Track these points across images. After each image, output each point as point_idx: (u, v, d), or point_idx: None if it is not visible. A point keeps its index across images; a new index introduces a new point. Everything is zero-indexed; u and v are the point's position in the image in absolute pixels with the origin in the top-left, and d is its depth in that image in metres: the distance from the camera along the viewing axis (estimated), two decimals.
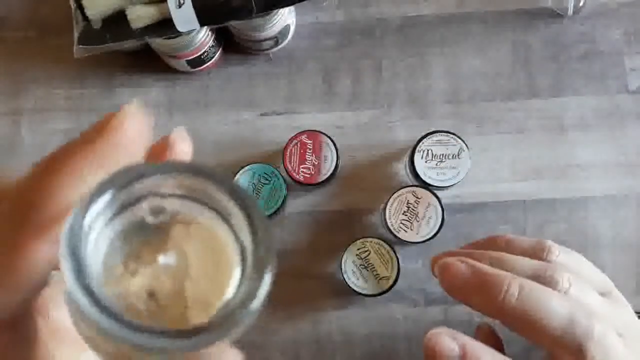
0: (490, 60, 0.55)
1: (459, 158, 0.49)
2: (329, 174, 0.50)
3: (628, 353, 0.33)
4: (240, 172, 0.50)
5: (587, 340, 0.32)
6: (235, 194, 0.17)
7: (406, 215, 0.48)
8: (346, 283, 0.48)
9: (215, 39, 0.53)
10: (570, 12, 0.54)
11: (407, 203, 0.48)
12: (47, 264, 0.16)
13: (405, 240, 0.48)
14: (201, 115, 0.55)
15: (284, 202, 0.50)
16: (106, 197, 0.16)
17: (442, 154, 0.49)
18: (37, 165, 0.17)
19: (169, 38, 0.49)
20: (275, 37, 0.53)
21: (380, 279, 0.48)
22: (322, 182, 0.50)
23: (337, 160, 0.50)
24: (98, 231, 0.16)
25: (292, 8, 0.53)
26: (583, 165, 0.53)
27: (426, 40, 0.55)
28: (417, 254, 0.51)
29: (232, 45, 0.55)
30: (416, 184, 0.50)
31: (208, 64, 0.54)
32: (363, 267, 0.48)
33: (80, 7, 0.49)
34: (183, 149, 0.20)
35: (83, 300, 0.15)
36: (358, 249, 0.48)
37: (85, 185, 0.16)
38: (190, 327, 0.16)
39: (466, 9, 0.56)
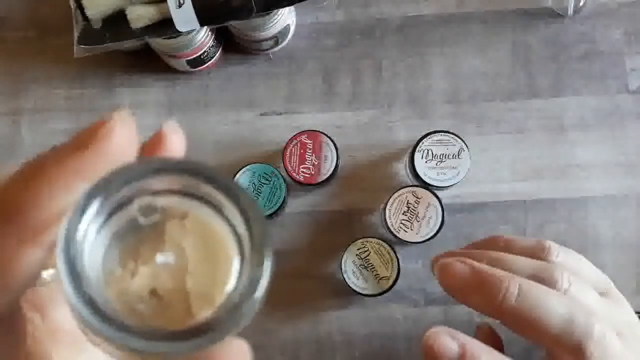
0: (490, 60, 0.55)
1: (459, 158, 0.49)
2: (329, 174, 0.50)
3: (627, 352, 0.33)
4: (240, 172, 0.50)
5: (587, 339, 0.32)
6: (224, 186, 0.17)
7: (406, 215, 0.48)
8: (346, 283, 0.48)
9: (215, 38, 0.53)
10: (570, 12, 0.54)
11: (407, 203, 0.48)
12: (33, 266, 0.17)
13: (405, 240, 0.48)
14: (201, 115, 0.55)
15: (284, 202, 0.50)
16: (96, 205, 0.16)
17: (442, 154, 0.49)
18: (24, 168, 0.17)
19: (169, 38, 0.49)
20: (275, 37, 0.53)
21: (380, 279, 0.48)
22: (322, 182, 0.50)
23: (337, 160, 0.50)
24: (93, 237, 0.16)
25: (292, 8, 0.53)
26: (583, 165, 0.53)
27: (426, 40, 0.55)
28: (417, 254, 0.51)
29: (232, 45, 0.55)
30: (416, 184, 0.50)
31: (208, 63, 0.54)
32: (363, 267, 0.48)
33: (80, 7, 0.49)
34: (175, 141, 0.20)
35: (84, 311, 0.15)
36: (358, 249, 0.48)
37: (72, 193, 0.16)
38: (196, 325, 0.16)
39: (466, 9, 0.56)
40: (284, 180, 0.50)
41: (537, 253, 0.38)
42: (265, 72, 0.55)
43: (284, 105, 0.55)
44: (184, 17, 0.48)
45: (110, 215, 0.17)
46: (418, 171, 0.49)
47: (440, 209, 0.48)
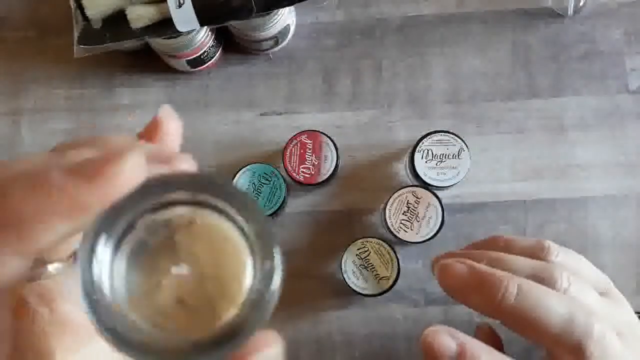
0: (490, 60, 0.55)
1: (459, 158, 0.49)
2: (329, 174, 0.50)
3: (627, 352, 0.32)
4: (240, 172, 0.50)
5: (587, 339, 0.32)
6: (223, 193, 0.17)
7: (406, 215, 0.48)
8: (346, 283, 0.48)
9: (215, 39, 0.53)
10: (570, 12, 0.54)
11: (407, 203, 0.48)
12: (13, 273, 0.17)
13: (405, 240, 0.48)
14: (201, 115, 0.55)
15: (284, 202, 0.50)
16: (103, 239, 0.17)
17: (442, 154, 0.49)
18: (31, 177, 0.16)
19: (169, 38, 0.49)
20: (275, 37, 0.53)
21: (380, 279, 0.48)
22: (322, 182, 0.50)
23: (337, 160, 0.50)
24: (108, 268, 0.17)
25: (292, 8, 0.53)
26: (583, 165, 0.53)
27: (426, 40, 0.55)
28: (417, 254, 0.51)
29: (232, 45, 0.55)
30: (416, 184, 0.50)
31: (208, 63, 0.54)
32: (363, 267, 0.48)
33: (80, 7, 0.49)
34: (171, 127, 0.21)
35: (113, 342, 0.16)
36: (358, 249, 0.48)
37: (71, 222, 0.16)
38: (224, 329, 0.17)
39: (466, 9, 0.56)
40: (284, 180, 0.50)
41: (537, 253, 0.38)
42: (265, 72, 0.55)
43: (284, 105, 0.55)
44: (184, 17, 0.48)
45: (119, 242, 0.18)
46: (418, 171, 0.49)
47: (440, 209, 0.48)
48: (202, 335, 0.17)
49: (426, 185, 0.49)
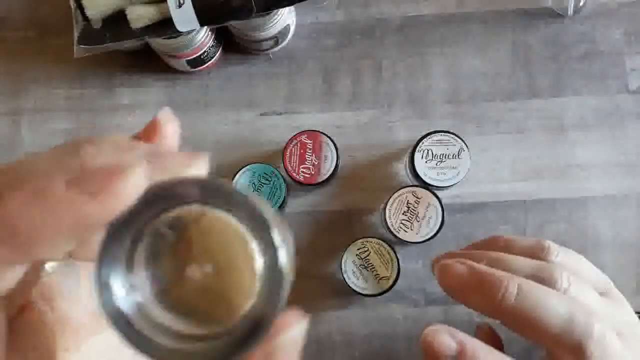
0: (490, 60, 0.55)
1: (459, 158, 0.49)
2: (329, 174, 0.50)
3: (627, 352, 0.32)
4: (240, 172, 0.50)
5: (587, 339, 0.32)
6: (223, 199, 0.18)
7: (406, 215, 0.48)
8: (346, 283, 0.48)
9: (215, 38, 0.53)
10: (570, 12, 0.54)
11: (407, 203, 0.48)
12: (7, 281, 0.17)
13: (405, 240, 0.48)
14: (201, 115, 0.55)
15: (284, 202, 0.50)
16: (115, 263, 0.17)
17: (442, 154, 0.49)
18: (34, 187, 0.16)
19: (169, 38, 0.49)
20: (275, 37, 0.53)
21: (380, 279, 0.48)
22: (322, 182, 0.50)
23: (337, 160, 0.50)
24: (124, 278, 0.18)
25: (292, 8, 0.53)
26: (583, 165, 0.53)
27: (426, 40, 0.55)
28: (417, 254, 0.51)
29: (232, 45, 0.55)
30: (416, 184, 0.50)
31: (208, 63, 0.54)
32: (363, 267, 0.48)
33: (80, 7, 0.49)
34: (170, 130, 0.21)
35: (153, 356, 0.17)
36: (358, 249, 0.48)
37: (73, 238, 0.16)
38: (246, 321, 0.17)
39: (466, 9, 0.56)
40: (284, 180, 0.50)
41: (537, 253, 0.38)
42: (265, 72, 0.55)
43: (284, 105, 0.55)
44: (184, 17, 0.48)
45: (131, 254, 0.18)
46: (418, 171, 0.49)
47: (440, 209, 0.48)
48: (225, 329, 0.18)
49: (426, 185, 0.49)
